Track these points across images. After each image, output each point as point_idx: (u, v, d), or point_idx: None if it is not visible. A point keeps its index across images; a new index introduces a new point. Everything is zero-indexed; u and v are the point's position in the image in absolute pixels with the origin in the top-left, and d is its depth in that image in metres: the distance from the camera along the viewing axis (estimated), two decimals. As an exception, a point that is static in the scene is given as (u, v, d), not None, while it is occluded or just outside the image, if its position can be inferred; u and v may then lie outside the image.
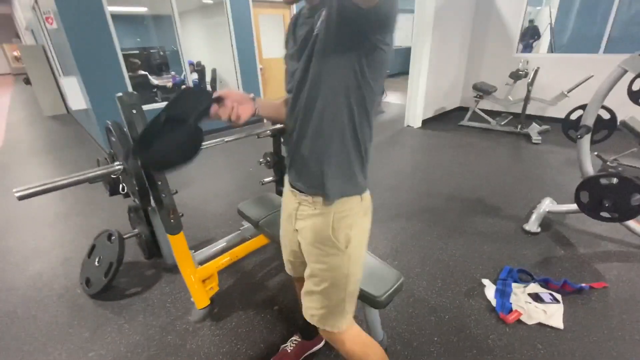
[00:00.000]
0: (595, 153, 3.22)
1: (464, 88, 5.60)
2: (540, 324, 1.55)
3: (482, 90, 4.45)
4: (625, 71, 1.84)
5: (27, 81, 7.19)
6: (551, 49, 5.37)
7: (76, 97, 4.15)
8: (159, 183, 1.42)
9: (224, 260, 1.76)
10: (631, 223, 2.04)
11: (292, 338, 1.44)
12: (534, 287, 1.74)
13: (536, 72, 4.02)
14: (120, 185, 1.33)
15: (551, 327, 1.53)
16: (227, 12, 4.78)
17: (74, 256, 2.22)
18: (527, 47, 7.06)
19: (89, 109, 4.11)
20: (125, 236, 1.93)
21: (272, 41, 5.60)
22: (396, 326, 1.57)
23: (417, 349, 1.45)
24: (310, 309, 0.95)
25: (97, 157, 1.67)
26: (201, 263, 1.74)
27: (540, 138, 4.01)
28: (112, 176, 1.27)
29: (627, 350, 1.41)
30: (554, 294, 1.70)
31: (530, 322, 1.56)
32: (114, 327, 1.64)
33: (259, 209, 1.86)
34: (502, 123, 4.50)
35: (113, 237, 1.91)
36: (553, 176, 3.14)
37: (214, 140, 1.70)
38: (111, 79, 3.92)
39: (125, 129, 1.31)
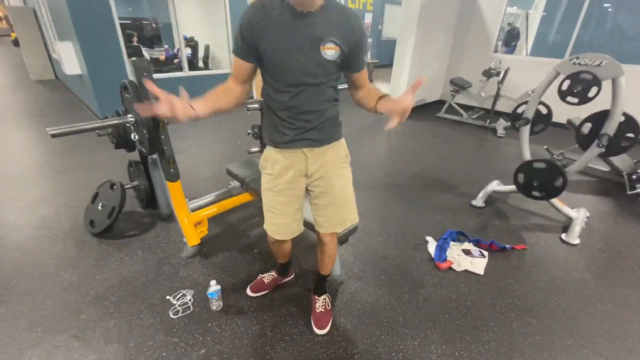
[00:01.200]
0: (545, 147, 3.68)
1: (445, 82, 5.96)
2: (466, 271, 1.94)
3: (458, 85, 4.82)
4: (558, 73, 2.22)
5: (16, 43, 7.09)
6: (526, 52, 5.75)
7: (71, 62, 4.27)
8: (163, 137, 1.71)
9: (213, 209, 2.07)
10: (556, 201, 2.46)
11: (269, 273, 1.77)
12: (468, 245, 2.14)
13: (506, 71, 4.41)
14: (132, 134, 1.60)
15: (474, 273, 1.93)
16: (224, -10, 4.92)
17: (75, 205, 2.48)
18: (510, 49, 7.48)
19: (84, 75, 4.25)
20: (126, 186, 2.21)
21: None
22: (352, 267, 1.94)
23: (367, 283, 1.83)
24: (341, 219, 1.31)
25: (106, 114, 1.93)
26: (193, 211, 2.04)
27: (504, 132, 4.43)
28: (127, 125, 1.55)
29: (528, 291, 1.82)
30: (483, 251, 2.10)
31: (458, 269, 1.95)
32: (117, 259, 1.94)
33: (246, 170, 2.16)
34: (474, 117, 4.90)
35: (115, 186, 2.18)
36: (507, 164, 3.56)
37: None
38: (108, 45, 4.06)
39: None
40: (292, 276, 1.83)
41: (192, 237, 1.93)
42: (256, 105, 2.33)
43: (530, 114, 2.44)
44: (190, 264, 1.92)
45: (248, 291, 1.70)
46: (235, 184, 2.37)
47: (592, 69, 2.05)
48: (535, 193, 2.35)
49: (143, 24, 8.63)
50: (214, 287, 1.57)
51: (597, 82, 2.03)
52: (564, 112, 2.74)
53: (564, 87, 2.18)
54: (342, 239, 1.66)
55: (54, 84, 6.89)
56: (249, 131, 2.53)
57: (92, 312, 1.58)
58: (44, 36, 6.78)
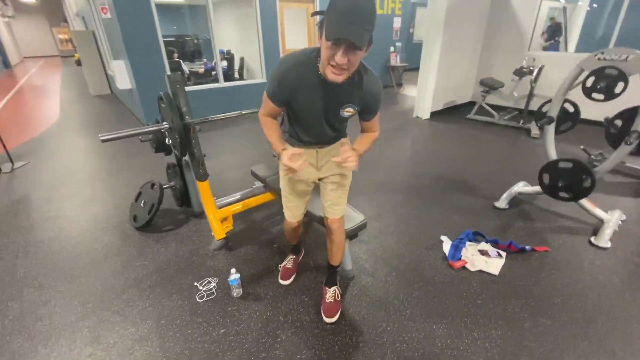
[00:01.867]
0: (582, 147, 3.49)
1: (475, 83, 5.80)
2: (480, 271, 1.94)
3: (489, 86, 4.69)
4: (582, 70, 2.14)
5: (79, 63, 8.03)
6: (566, 48, 5.43)
7: (123, 78, 4.81)
8: (193, 141, 1.93)
9: (238, 206, 2.27)
10: (586, 202, 2.34)
11: (287, 259, 1.92)
12: (485, 246, 2.12)
13: (540, 70, 4.22)
14: (166, 139, 1.83)
15: (488, 273, 1.92)
16: (256, 5, 5.25)
17: (122, 202, 2.81)
18: (554, 44, 7.05)
19: (134, 89, 4.76)
20: (164, 186, 2.48)
21: (294, 33, 6.02)
22: (364, 264, 2.02)
23: (377, 279, 1.90)
24: (341, 206, 1.51)
25: (156, 118, 2.21)
26: (220, 208, 2.25)
27: (539, 133, 4.23)
28: (162, 131, 1.78)
29: (546, 292, 1.77)
30: (500, 251, 2.07)
31: (472, 269, 1.95)
32: (154, 249, 2.19)
33: (268, 171, 2.34)
34: (506, 117, 4.73)
35: (155, 186, 2.46)
36: (538, 165, 3.40)
37: (234, 112, 2.18)
38: (153, 62, 4.53)
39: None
40: (302, 253, 2.04)
41: (219, 231, 2.13)
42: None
43: (554, 113, 2.36)
44: (216, 256, 2.12)
45: (281, 281, 1.86)
46: (258, 184, 2.56)
47: (617, 63, 1.96)
48: (563, 194, 2.26)
49: (185, 40, 9.35)
50: (234, 275, 1.74)
51: (623, 77, 1.94)
52: (602, 110, 2.60)
53: (589, 83, 2.10)
54: (351, 234, 1.76)
55: (109, 98, 7.71)
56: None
57: (132, 293, 1.82)
58: (102, 56, 7.64)
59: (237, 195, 2.41)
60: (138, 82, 4.49)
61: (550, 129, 2.42)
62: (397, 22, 7.40)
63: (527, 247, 2.09)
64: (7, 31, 17.39)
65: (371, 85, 1.19)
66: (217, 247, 2.17)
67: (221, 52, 6.60)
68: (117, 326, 1.61)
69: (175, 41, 8.66)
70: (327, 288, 1.71)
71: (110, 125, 5.39)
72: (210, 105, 5.14)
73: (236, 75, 7.40)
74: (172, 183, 2.57)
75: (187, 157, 2.13)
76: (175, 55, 6.45)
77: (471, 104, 5.93)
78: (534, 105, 4.55)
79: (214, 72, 6.90)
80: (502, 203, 2.63)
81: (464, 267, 1.97)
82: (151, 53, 4.47)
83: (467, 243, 2.15)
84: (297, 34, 6.09)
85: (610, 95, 2.02)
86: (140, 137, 2.13)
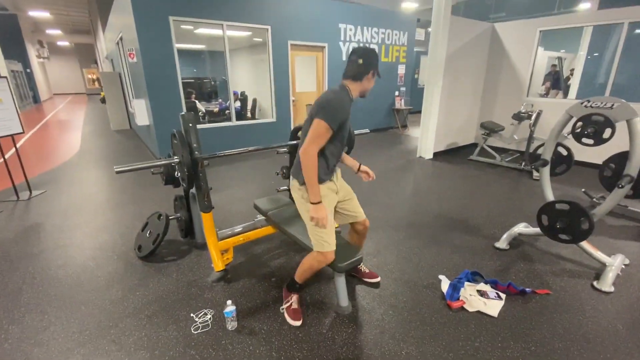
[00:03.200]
0: (583, 190, 3.51)
1: (477, 126, 5.99)
2: (479, 312, 1.91)
3: (489, 129, 4.85)
4: (571, 116, 2.26)
5: (103, 101, 8.63)
6: (563, 95, 5.65)
7: (143, 115, 5.15)
8: (200, 175, 2.05)
9: (239, 239, 2.33)
10: (586, 245, 2.33)
11: (293, 297, 1.86)
12: (483, 286, 2.10)
13: (539, 114, 4.38)
14: (176, 172, 1.96)
15: (487, 315, 1.88)
16: (269, 53, 5.70)
17: (128, 232, 2.91)
18: (554, 89, 7.36)
19: (151, 125, 5.07)
20: (170, 217, 2.58)
21: (304, 78, 6.44)
22: (361, 300, 2.01)
23: (373, 316, 1.88)
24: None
25: (168, 152, 2.37)
26: (222, 239, 2.31)
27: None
28: (172, 164, 1.92)
29: (547, 337, 1.73)
30: (500, 293, 2.05)
31: (470, 310, 1.92)
32: (155, 279, 2.23)
33: (270, 204, 2.43)
34: (507, 159, 4.82)
35: (161, 217, 2.56)
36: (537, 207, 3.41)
37: (240, 149, 2.33)
38: (171, 102, 4.87)
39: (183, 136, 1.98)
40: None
41: (218, 263, 2.18)
42: (285, 149, 2.64)
43: (547, 155, 2.44)
44: (215, 287, 2.14)
45: (294, 323, 1.79)
46: (260, 217, 2.64)
47: (603, 111, 2.07)
48: (562, 236, 2.27)
49: (204, 82, 10.04)
50: (229, 307, 1.76)
51: (610, 123, 2.04)
52: (600, 153, 2.68)
53: (577, 129, 2.20)
54: (347, 269, 1.79)
55: (128, 133, 8.15)
56: (277, 172, 2.83)
57: (129, 322, 1.84)
58: (125, 94, 8.22)
59: (239, 228, 2.49)
60: (155, 119, 4.80)
61: (546, 171, 2.49)
62: (401, 69, 7.86)
63: (527, 290, 2.06)
64: (40, 70, 18.91)
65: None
66: (215, 278, 2.20)
67: (235, 93, 7.04)
68: (112, 355, 1.62)
69: (193, 82, 9.31)
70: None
71: (126, 157, 5.67)
72: (222, 142, 5.40)
73: (248, 114, 7.82)
74: (178, 214, 2.67)
75: (194, 190, 2.25)
76: (193, 96, 6.89)
77: (474, 145, 6.08)
78: (534, 148, 4.67)
79: (227, 112, 7.34)
80: (502, 243, 2.63)
81: (462, 308, 1.94)
82: (170, 93, 4.83)
83: (466, 283, 2.13)
84: (307, 79, 6.50)
85: (599, 140, 2.10)
86: (152, 169, 2.27)
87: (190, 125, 2.01)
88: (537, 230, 2.55)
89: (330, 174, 1.72)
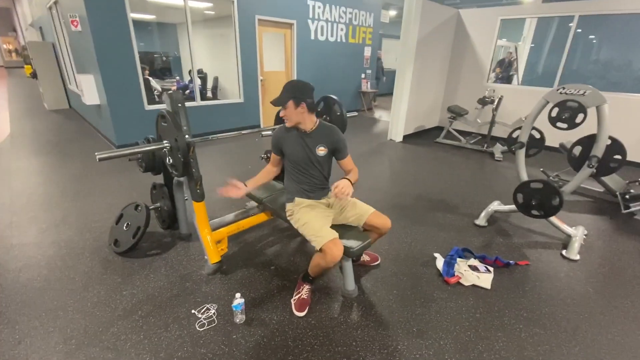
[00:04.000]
0: (541, 169, 3.87)
1: (442, 110, 6.28)
2: (474, 286, 2.04)
3: (455, 113, 5.10)
4: (547, 102, 2.44)
5: (34, 75, 7.46)
6: (518, 82, 6.11)
7: (91, 93, 4.55)
8: (192, 160, 1.87)
9: (233, 228, 2.20)
10: (555, 220, 2.59)
11: (304, 288, 1.82)
12: (473, 262, 2.25)
13: (500, 99, 4.70)
14: (167, 159, 1.76)
15: (481, 288, 2.03)
16: (235, 29, 5.31)
17: (98, 225, 2.60)
18: (505, 78, 7.90)
19: (103, 105, 4.50)
20: (150, 207, 2.35)
21: (272, 56, 6.15)
22: (365, 283, 2.04)
23: (380, 297, 1.92)
24: (364, 206, 1.89)
25: (137, 141, 2.12)
26: (214, 230, 2.17)
27: (502, 156, 4.64)
28: (164, 150, 1.71)
29: (534, 303, 1.91)
30: (488, 266, 2.21)
31: (466, 284, 2.05)
32: (141, 276, 2.04)
33: (263, 191, 2.32)
34: (472, 142, 5.14)
35: (139, 208, 2.32)
36: (506, 185, 3.73)
37: (232, 132, 2.17)
38: (127, 78, 4.35)
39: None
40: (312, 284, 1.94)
41: (214, 254, 2.04)
42: (269, 132, 2.50)
43: (524, 138, 2.63)
44: (212, 280, 2.02)
45: (297, 313, 1.76)
46: (251, 204, 2.51)
47: (577, 97, 2.27)
48: (534, 212, 2.49)
49: (154, 57, 9.13)
50: (238, 299, 1.67)
51: (582, 109, 2.24)
52: (557, 137, 2.95)
53: (553, 114, 2.39)
54: (357, 253, 1.78)
55: (68, 113, 7.19)
56: (262, 156, 2.70)
57: (122, 325, 1.67)
58: (61, 69, 7.17)
59: (230, 217, 2.35)
60: (110, 98, 4.27)
61: (521, 153, 2.69)
62: (367, 51, 7.86)
63: (511, 262, 2.25)
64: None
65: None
66: (211, 271, 2.07)
67: (192, 70, 6.53)
68: (110, 363, 1.46)
69: (143, 57, 8.43)
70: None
71: (74, 142, 5.01)
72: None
73: (209, 94, 7.32)
74: (158, 204, 2.44)
75: (179, 177, 2.05)
76: (147, 72, 6.25)
77: (437, 128, 6.38)
78: (495, 132, 5.02)
79: (187, 91, 6.79)
80: (481, 221, 2.82)
81: (458, 283, 2.07)
82: (125, 68, 4.30)
83: (458, 259, 2.26)
84: (275, 57, 6.22)
85: (572, 124, 2.30)
86: (129, 157, 2.02)
87: (180, 105, 1.81)
88: (511, 207, 2.77)
89: (310, 194, 1.84)
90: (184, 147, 1.63)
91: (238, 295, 1.68)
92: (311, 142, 1.75)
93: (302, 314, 1.75)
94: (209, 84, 7.35)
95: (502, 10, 5.19)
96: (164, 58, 9.57)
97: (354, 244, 1.72)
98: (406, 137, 5.63)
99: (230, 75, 6.01)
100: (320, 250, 1.61)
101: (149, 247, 2.34)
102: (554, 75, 4.98)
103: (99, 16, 3.92)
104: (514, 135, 2.92)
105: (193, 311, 1.76)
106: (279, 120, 2.81)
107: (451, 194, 3.45)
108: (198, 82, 6.66)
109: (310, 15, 6.31)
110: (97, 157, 1.53)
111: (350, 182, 1.64)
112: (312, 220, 1.71)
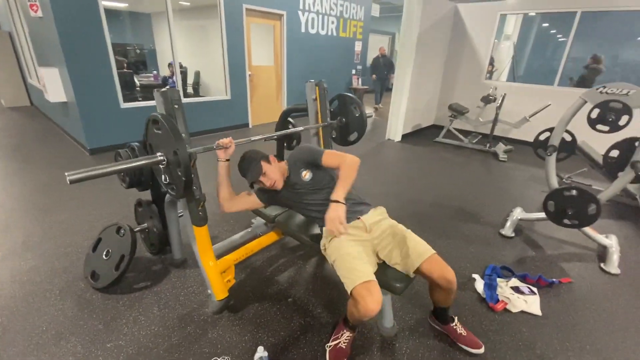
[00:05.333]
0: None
1: (438, 108, 6.09)
2: (522, 312, 1.80)
3: (457, 111, 4.91)
4: (585, 102, 2.23)
5: (-13, 68, 6.62)
6: (513, 79, 6.02)
7: (56, 89, 3.97)
8: (193, 176, 1.49)
9: (241, 254, 1.83)
10: (588, 229, 2.41)
11: (344, 334, 1.45)
12: (515, 282, 2.01)
13: (504, 97, 4.53)
14: (162, 176, 1.37)
15: (531, 314, 1.78)
16: (221, 19, 4.85)
17: (69, 251, 2.15)
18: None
19: (70, 103, 3.94)
20: (135, 230, 1.93)
21: (261, 50, 5.72)
22: (403, 315, 1.74)
23: (423, 334, 1.63)
24: (423, 244, 1.48)
25: (118, 150, 1.71)
26: (218, 257, 1.79)
27: (506, 156, 4.49)
28: (160, 165, 1.32)
29: (593, 331, 1.69)
30: (531, 287, 1.97)
31: (514, 310, 1.80)
32: (129, 319, 1.64)
33: (273, 208, 1.96)
34: (474, 141, 4.97)
35: (122, 231, 1.90)
36: (520, 189, 3.56)
37: (258, 137, 1.78)
38: (99, 72, 3.81)
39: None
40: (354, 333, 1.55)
41: (220, 289, 1.67)
42: (274, 137, 2.12)
43: (556, 142, 2.42)
44: (219, 321, 1.65)
45: None
46: (258, 222, 2.15)
47: (621, 97, 2.06)
48: (567, 221, 2.28)
49: (127, 49, 8.40)
50: (260, 353, 1.32)
51: (628, 110, 2.04)
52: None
53: (593, 115, 2.18)
54: (400, 290, 1.45)
55: (29, 110, 6.43)
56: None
57: (108, 395, 1.28)
58: (20, 61, 6.39)
59: (236, 238, 1.97)
60: (78, 95, 3.72)
61: (552, 158, 2.48)
62: (358, 46, 7.57)
63: (555, 280, 2.02)
64: None
65: (301, 155, 1.60)
66: (217, 309, 1.70)
67: (172, 63, 5.99)
68: None
69: (116, 50, 7.72)
70: (452, 325, 1.57)
71: (35, 146, 4.39)
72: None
73: (189, 90, 6.78)
74: (145, 225, 2.03)
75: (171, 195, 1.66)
76: (125, 65, 5.67)
77: (434, 127, 6.20)
78: (496, 131, 4.88)
79: (167, 87, 6.23)
80: (507, 231, 2.59)
81: (505, 309, 1.81)
82: (96, 61, 3.77)
83: (498, 280, 2.01)
84: (264, 51, 5.79)
85: (615, 127, 2.10)
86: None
87: (177, 107, 1.42)
88: (538, 215, 2.58)
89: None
90: (186, 162, 1.25)
91: (261, 349, 1.33)
92: (294, 178, 1.59)
93: None
94: (190, 80, 6.82)
95: (502, 6, 5.03)
96: (138, 51, 8.84)
97: (396, 283, 1.40)
98: (404, 137, 5.39)
99: (213, 69, 5.55)
100: (350, 295, 1.26)
101: (136, 278, 1.93)
102: (545, 72, 4.89)
103: (63, 0, 3.37)
104: (541, 137, 2.71)
105: (201, 368, 1.40)
106: (284, 120, 2.45)
107: (467, 199, 3.22)
108: (179, 76, 6.14)
109: (301, 6, 5.92)
110: (68, 178, 1.12)
111: (340, 198, 1.34)
112: (343, 256, 1.36)
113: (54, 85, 3.94)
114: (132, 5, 7.93)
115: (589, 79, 5.01)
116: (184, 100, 4.90)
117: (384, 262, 1.49)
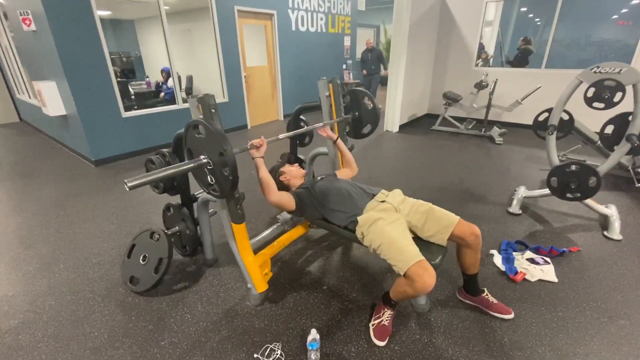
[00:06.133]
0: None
1: (430, 97, 6.24)
2: (540, 280, 1.94)
3: (451, 99, 5.06)
4: (581, 82, 2.38)
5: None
6: (501, 64, 6.21)
7: (55, 103, 3.94)
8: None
9: (275, 248, 1.92)
10: (589, 201, 2.57)
11: (385, 312, 1.56)
12: (529, 254, 2.15)
13: (495, 83, 4.70)
14: (208, 177, 1.44)
15: (548, 282, 1.93)
16: (214, 20, 4.85)
17: (100, 260, 2.20)
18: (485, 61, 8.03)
19: (71, 115, 3.92)
20: (168, 233, 1.99)
21: (254, 51, 5.75)
22: (434, 293, 1.86)
23: (454, 307, 1.75)
24: (450, 214, 1.67)
25: (150, 157, 1.76)
26: (257, 252, 1.87)
27: (502, 139, 4.67)
28: (208, 167, 1.40)
29: (605, 292, 1.84)
30: (545, 257, 2.12)
31: (532, 279, 1.94)
32: (176, 318, 1.71)
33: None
34: (469, 127, 5.14)
35: (157, 235, 1.96)
36: (519, 169, 3.73)
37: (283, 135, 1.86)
38: (99, 82, 3.80)
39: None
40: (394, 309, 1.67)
41: (260, 282, 1.76)
42: (289, 135, 2.15)
43: (555, 121, 2.57)
44: (262, 313, 1.74)
45: (377, 342, 1.51)
46: (284, 217, 2.24)
47: (614, 76, 2.21)
48: (569, 195, 2.44)
49: (114, 58, 8.28)
50: (314, 335, 1.42)
51: (621, 87, 2.19)
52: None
53: (589, 94, 2.33)
54: (437, 265, 1.57)
55: (19, 127, 6.32)
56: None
57: (175, 387, 1.36)
58: (6, 77, 6.25)
59: (267, 234, 2.05)
60: (80, 107, 3.70)
61: (552, 138, 2.63)
62: (347, 41, 7.64)
63: (565, 250, 2.18)
64: None
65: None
66: (259, 301, 1.79)
67: (165, 69, 5.97)
68: None
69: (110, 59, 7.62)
70: (483, 295, 1.70)
71: (35, 162, 4.35)
72: (166, 131, 4.51)
73: (183, 95, 6.75)
74: (177, 228, 2.09)
75: (204, 196, 1.74)
76: (118, 73, 5.61)
77: (428, 116, 6.35)
78: (490, 115, 5.05)
79: (162, 94, 6.20)
80: (515, 208, 2.74)
81: (524, 279, 1.95)
82: (96, 72, 3.75)
83: (514, 253, 2.16)
84: (257, 51, 5.82)
85: (610, 104, 2.26)
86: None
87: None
88: (542, 191, 2.73)
89: (359, 202, 1.69)
90: (233, 162, 1.33)
91: (314, 331, 1.43)
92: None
93: (382, 343, 1.52)
94: (182, 84, 6.78)
95: (487, -7, 5.18)
96: (124, 59, 8.71)
97: (433, 256, 1.52)
98: (401, 127, 5.53)
99: (206, 73, 5.55)
100: (405, 276, 1.36)
101: (173, 280, 2.00)
102: (536, 56, 5.09)
103: (60, 12, 3.35)
104: (540, 118, 2.86)
105: (256, 355, 1.48)
106: (296, 119, 2.54)
107: (472, 182, 3.37)
108: (170, 82, 6.11)
109: (290, 5, 5.96)
110: (127, 185, 1.19)
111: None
112: (389, 240, 1.44)
113: (52, 99, 3.91)
114: (115, 13, 7.81)
115: (523, 59, 5.57)
116: (185, 105, 4.91)
117: (415, 236, 1.59)
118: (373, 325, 1.57)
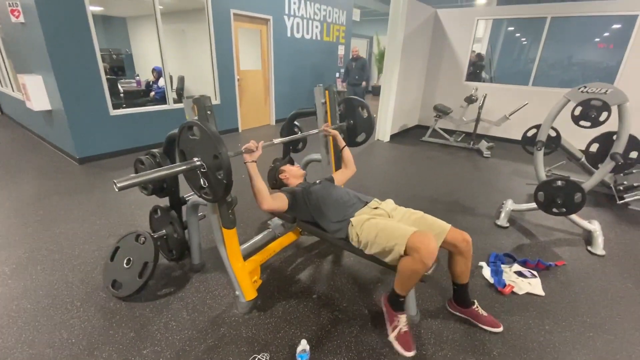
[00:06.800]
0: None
1: (421, 108, 6.35)
2: (527, 293, 1.96)
3: (441, 111, 5.15)
4: (569, 100, 2.45)
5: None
6: (490, 79, 6.39)
7: (39, 97, 3.82)
8: (224, 180, 1.53)
9: (265, 255, 1.88)
10: (574, 216, 2.64)
11: (400, 318, 1.51)
12: (517, 267, 2.18)
13: (485, 97, 4.82)
14: (201, 180, 1.40)
15: (536, 295, 1.95)
16: (209, 23, 4.83)
17: (80, 262, 2.11)
18: (476, 76, 8.25)
19: (57, 110, 3.80)
20: (154, 236, 1.93)
21: (248, 55, 5.74)
22: (424, 304, 1.85)
23: (444, 319, 1.75)
24: (440, 221, 1.66)
25: (139, 157, 1.71)
26: (247, 259, 1.83)
27: (489, 152, 4.77)
28: (202, 170, 1.36)
29: (590, 307, 1.87)
30: (532, 271, 2.15)
31: (520, 292, 1.96)
32: (160, 325, 1.64)
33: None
34: (458, 140, 5.23)
35: (142, 238, 1.90)
36: (506, 182, 3.81)
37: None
38: (87, 78, 3.70)
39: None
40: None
41: (249, 289, 1.72)
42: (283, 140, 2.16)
43: (544, 137, 2.64)
44: (250, 321, 1.69)
45: (406, 353, 1.44)
46: (275, 222, 2.20)
47: (600, 96, 2.29)
48: (555, 210, 2.49)
49: (103, 55, 8.11)
50: (303, 346, 1.39)
51: (607, 107, 2.28)
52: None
53: (576, 112, 2.41)
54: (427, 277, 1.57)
55: (0, 121, 6.07)
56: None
57: (156, 399, 1.30)
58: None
59: (258, 240, 2.02)
60: (67, 103, 3.59)
61: (540, 153, 2.70)
62: (341, 50, 7.73)
63: (552, 264, 2.22)
64: None
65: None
66: (247, 309, 1.74)
67: (157, 69, 5.89)
68: None
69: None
70: (473, 307, 1.69)
71: (16, 157, 4.18)
72: (157, 132, 4.42)
73: (174, 95, 6.66)
74: (164, 232, 2.03)
75: (194, 199, 1.69)
76: (107, 70, 5.50)
77: (418, 127, 6.45)
78: (478, 129, 5.16)
79: (152, 93, 6.09)
80: (502, 221, 2.79)
81: (512, 292, 1.97)
82: (85, 67, 3.66)
83: (502, 266, 2.18)
84: (251, 55, 5.80)
85: (596, 123, 2.34)
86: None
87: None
88: (529, 205, 2.79)
89: (349, 209, 1.71)
90: (228, 165, 1.30)
91: (304, 341, 1.40)
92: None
93: (412, 353, 1.44)
94: (173, 85, 6.69)
95: (479, 11, 5.34)
96: (115, 56, 8.55)
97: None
98: (392, 137, 5.59)
99: (198, 74, 5.51)
100: (406, 253, 1.35)
101: (158, 285, 1.93)
102: (515, 73, 5.25)
103: (51, 5, 3.26)
104: (529, 134, 2.94)
105: (243, 366, 1.44)
106: (291, 124, 2.53)
107: (461, 194, 3.41)
108: (161, 82, 6.02)
109: (287, 11, 5.99)
110: (117, 185, 1.14)
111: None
112: (383, 227, 1.47)
113: (37, 94, 3.79)
114: (107, 10, 7.68)
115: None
116: (176, 106, 4.84)
117: None
118: (395, 336, 1.49)
